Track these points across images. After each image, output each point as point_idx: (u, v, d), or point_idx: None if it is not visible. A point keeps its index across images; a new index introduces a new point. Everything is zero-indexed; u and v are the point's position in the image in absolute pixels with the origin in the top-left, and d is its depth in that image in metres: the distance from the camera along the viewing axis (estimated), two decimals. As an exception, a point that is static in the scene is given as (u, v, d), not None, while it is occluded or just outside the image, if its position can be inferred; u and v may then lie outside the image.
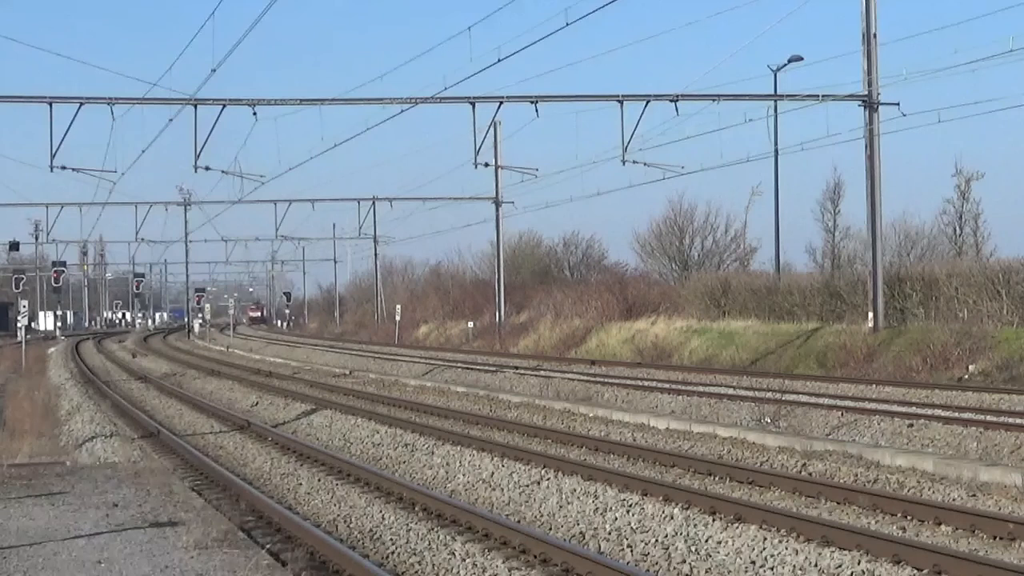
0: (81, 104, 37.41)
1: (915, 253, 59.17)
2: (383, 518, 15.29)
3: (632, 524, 14.35)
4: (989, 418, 21.99)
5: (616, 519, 14.71)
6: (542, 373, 38.42)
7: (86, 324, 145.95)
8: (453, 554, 13.02)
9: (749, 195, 65.87)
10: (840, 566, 11.79)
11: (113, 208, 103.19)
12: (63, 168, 39.13)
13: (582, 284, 69.90)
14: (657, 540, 13.48)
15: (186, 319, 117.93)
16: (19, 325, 52.05)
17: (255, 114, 38.06)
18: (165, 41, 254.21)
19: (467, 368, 43.29)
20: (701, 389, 30.07)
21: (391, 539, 14.16)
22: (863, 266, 48.49)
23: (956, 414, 22.81)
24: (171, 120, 39.10)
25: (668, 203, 72.36)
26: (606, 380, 34.41)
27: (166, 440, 24.28)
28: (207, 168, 40.43)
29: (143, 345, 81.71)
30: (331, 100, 40.15)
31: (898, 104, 37.61)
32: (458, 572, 12.39)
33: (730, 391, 28.90)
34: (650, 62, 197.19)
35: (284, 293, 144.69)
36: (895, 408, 24.00)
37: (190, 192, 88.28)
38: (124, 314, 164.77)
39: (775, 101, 43.90)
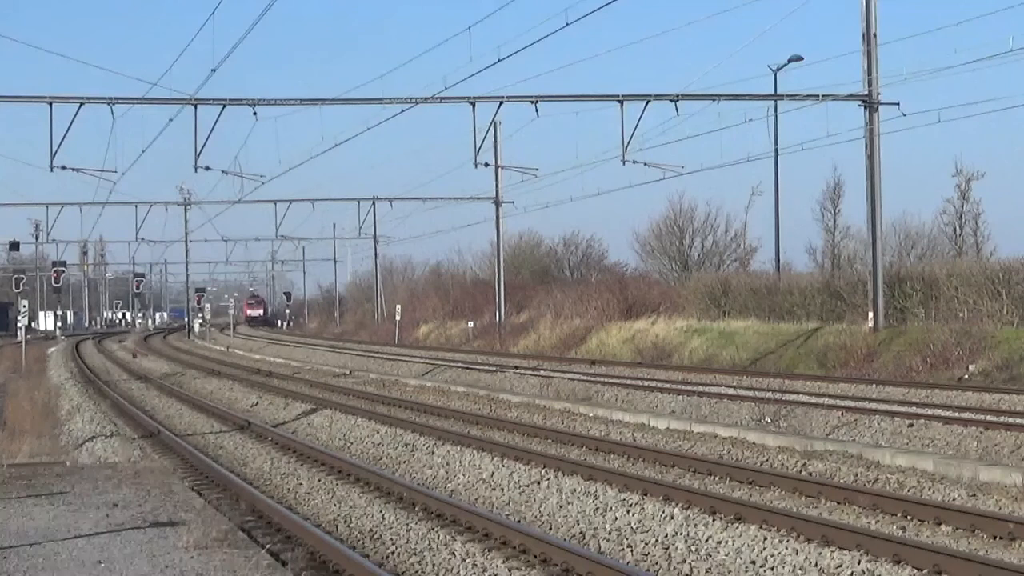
0: (81, 104, 37.42)
1: (915, 253, 59.18)
2: (383, 518, 15.29)
3: (632, 524, 14.35)
4: (989, 418, 21.98)
5: (616, 519, 14.71)
6: (542, 373, 38.42)
7: (86, 324, 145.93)
8: (453, 554, 13.02)
9: (749, 195, 65.98)
10: (840, 566, 11.80)
11: (113, 208, 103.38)
12: (63, 168, 39.17)
13: (582, 284, 69.86)
14: (657, 540, 13.49)
15: (186, 319, 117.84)
16: (19, 325, 52.06)
17: (255, 114, 38.08)
18: (165, 41, 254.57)
19: (467, 368, 43.28)
20: (701, 389, 30.06)
21: (391, 539, 14.16)
22: (863, 266, 48.48)
23: (956, 414, 22.80)
24: (171, 120, 39.20)
25: (668, 203, 72.45)
26: (606, 380, 34.40)
27: (166, 440, 24.28)
28: (207, 168, 40.46)
29: (143, 345, 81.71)
30: (331, 100, 40.16)
31: (898, 104, 37.67)
32: (458, 572, 12.39)
33: (730, 391, 28.90)
34: (650, 62, 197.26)
35: (284, 293, 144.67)
36: (895, 408, 23.99)
37: (190, 192, 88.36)
38: (124, 314, 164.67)
39: (775, 101, 43.91)
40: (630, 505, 15.23)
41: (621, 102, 39.40)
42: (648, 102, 39.14)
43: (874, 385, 30.73)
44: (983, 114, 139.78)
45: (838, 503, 15.24)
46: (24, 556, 12.49)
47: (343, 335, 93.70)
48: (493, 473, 18.55)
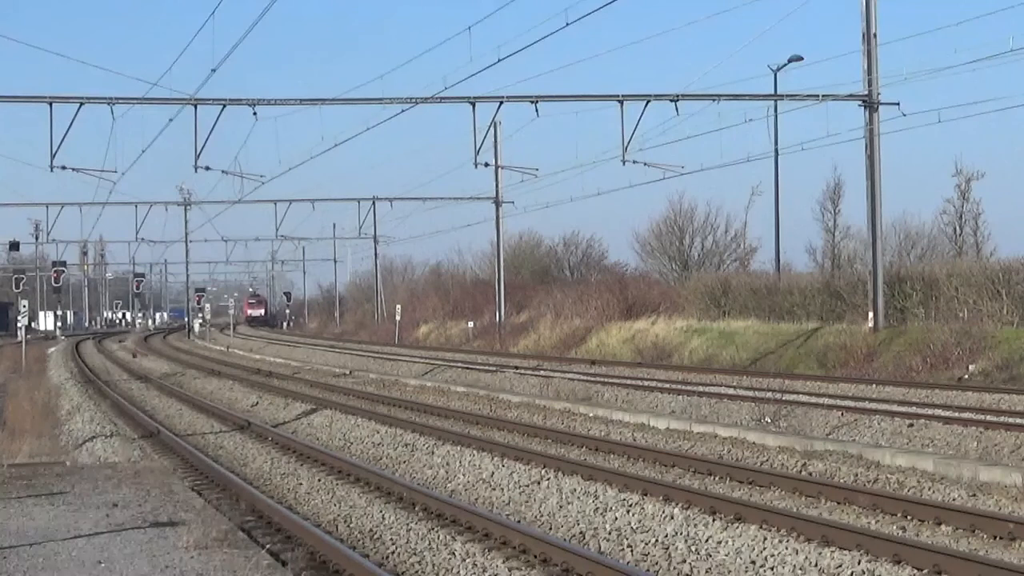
0: (81, 104, 37.43)
1: (915, 253, 59.20)
2: (383, 518, 15.29)
3: (632, 524, 14.35)
4: (989, 418, 21.99)
5: (616, 519, 14.71)
6: (542, 373, 38.42)
7: (86, 324, 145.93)
8: (453, 554, 13.02)
9: (749, 195, 65.99)
10: (840, 566, 11.80)
11: (113, 208, 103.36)
12: (63, 168, 39.19)
13: (582, 284, 69.86)
14: (657, 540, 13.49)
15: (186, 319, 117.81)
16: (19, 325, 52.07)
17: (255, 114, 38.10)
18: (165, 41, 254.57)
19: (467, 368, 43.28)
20: (701, 389, 30.06)
21: (391, 539, 14.16)
22: (863, 266, 48.49)
23: (956, 414, 22.80)
24: (171, 120, 39.22)
25: (668, 203, 72.42)
26: (606, 380, 34.40)
27: (166, 440, 24.28)
28: (207, 168, 40.49)
29: (143, 345, 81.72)
30: (331, 100, 40.18)
31: (898, 104, 37.68)
32: (458, 572, 12.39)
33: (730, 391, 28.90)
34: (650, 62, 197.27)
35: (284, 293, 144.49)
36: (895, 408, 24.00)
37: (190, 192, 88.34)
38: (124, 314, 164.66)
39: (775, 101, 43.91)
40: (630, 505, 15.23)
41: (621, 102, 39.41)
42: (648, 102, 39.14)
43: (874, 385, 30.73)
44: (983, 114, 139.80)
45: (838, 503, 15.24)
46: (24, 556, 12.49)
47: (343, 335, 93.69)
48: (493, 473, 18.55)
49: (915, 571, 11.47)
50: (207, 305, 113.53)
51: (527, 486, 17.31)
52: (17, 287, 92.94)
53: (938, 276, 39.67)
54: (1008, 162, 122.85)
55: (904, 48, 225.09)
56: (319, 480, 18.74)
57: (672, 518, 14.33)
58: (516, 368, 41.47)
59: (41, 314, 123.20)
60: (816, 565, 11.93)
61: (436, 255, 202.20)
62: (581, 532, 14.36)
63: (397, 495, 16.62)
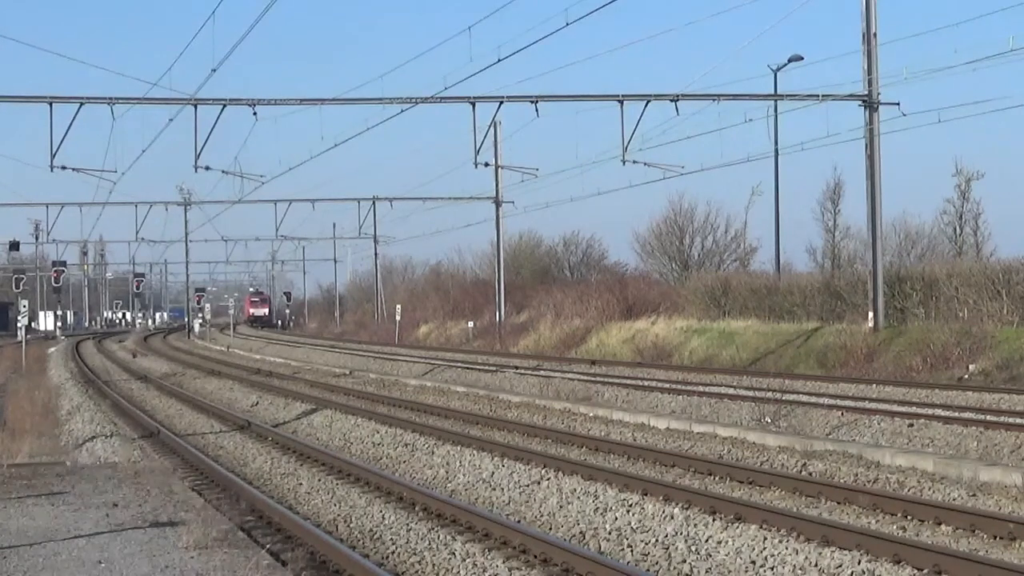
0: (81, 104, 37.45)
1: (915, 253, 59.20)
2: (383, 518, 15.29)
3: (632, 524, 14.35)
4: (989, 418, 21.99)
5: (616, 519, 14.71)
6: (542, 373, 38.42)
7: (86, 324, 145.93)
8: (453, 554, 13.02)
9: (749, 195, 65.99)
10: (840, 566, 11.80)
11: (113, 208, 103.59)
12: (63, 168, 39.22)
13: (582, 284, 69.89)
14: (657, 540, 13.49)
15: (186, 319, 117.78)
16: (19, 325, 52.09)
17: (255, 114, 38.15)
18: (165, 41, 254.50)
19: (467, 368, 43.29)
20: (701, 389, 30.06)
21: (391, 539, 14.16)
22: (863, 266, 48.51)
23: (956, 414, 22.81)
24: (171, 120, 39.24)
25: (668, 203, 72.34)
26: (606, 380, 34.40)
27: (166, 440, 24.28)
28: (207, 168, 40.56)
29: (143, 345, 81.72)
30: (331, 100, 40.22)
31: (898, 104, 37.70)
32: (458, 572, 12.39)
33: (730, 391, 28.90)
34: (650, 62, 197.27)
35: (284, 293, 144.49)
36: (895, 408, 24.00)
37: (190, 192, 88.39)
38: (124, 314, 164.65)
39: (775, 101, 43.92)
40: (630, 505, 15.23)
41: (621, 102, 39.42)
42: (648, 102, 39.16)
43: (874, 385, 30.72)
44: (983, 114, 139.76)
45: (838, 503, 15.24)
46: (24, 556, 12.50)
47: (343, 335, 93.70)
48: (493, 473, 18.55)
49: (915, 571, 11.47)
50: (207, 305, 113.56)
51: (527, 486, 17.31)
52: (17, 287, 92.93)
53: (938, 276, 39.69)
54: (1008, 162, 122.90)
55: (904, 48, 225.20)
56: (319, 480, 18.74)
57: (672, 518, 14.33)
58: (516, 368, 41.47)
59: (41, 314, 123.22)
60: (816, 565, 11.93)
61: (436, 255, 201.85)
62: (581, 532, 14.36)
63: (397, 495, 16.63)
